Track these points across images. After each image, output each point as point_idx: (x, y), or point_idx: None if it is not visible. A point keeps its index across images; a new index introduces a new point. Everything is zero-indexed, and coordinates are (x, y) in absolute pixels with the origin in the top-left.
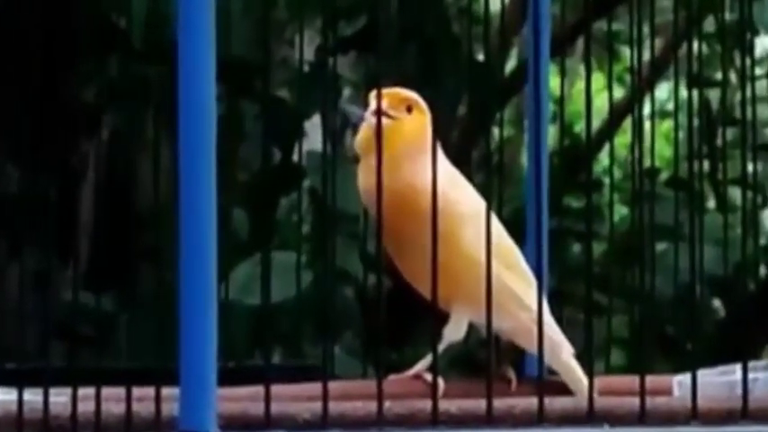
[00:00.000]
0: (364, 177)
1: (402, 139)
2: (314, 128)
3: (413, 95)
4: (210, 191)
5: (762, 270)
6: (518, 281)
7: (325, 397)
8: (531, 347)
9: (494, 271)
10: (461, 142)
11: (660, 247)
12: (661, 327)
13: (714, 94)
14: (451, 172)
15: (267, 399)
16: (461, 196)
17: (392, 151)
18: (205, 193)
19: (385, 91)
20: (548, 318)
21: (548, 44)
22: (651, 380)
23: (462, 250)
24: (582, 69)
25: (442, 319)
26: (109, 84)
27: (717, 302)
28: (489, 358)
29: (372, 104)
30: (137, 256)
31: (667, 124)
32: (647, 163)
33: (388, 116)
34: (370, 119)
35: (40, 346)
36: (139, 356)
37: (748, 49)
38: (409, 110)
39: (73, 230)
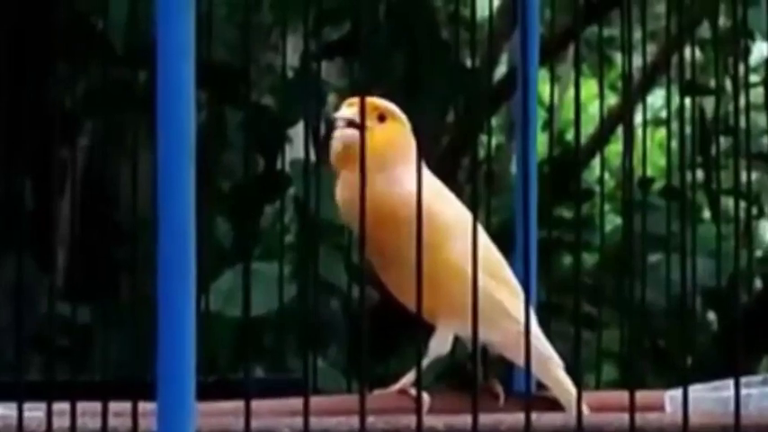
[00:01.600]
0: (339, 191)
1: (373, 150)
2: (299, 135)
3: (386, 104)
4: (189, 199)
5: (757, 282)
6: (505, 293)
7: (306, 412)
8: (520, 360)
9: (480, 283)
10: (450, 150)
11: (653, 258)
12: (654, 340)
13: (709, 102)
14: (434, 182)
15: (247, 414)
16: (445, 206)
17: (357, 163)
18: (184, 202)
19: (354, 100)
20: (536, 331)
21: (537, 50)
22: (642, 395)
23: (447, 261)
24: (572, 76)
25: (428, 331)
26: (88, 89)
27: (712, 315)
28: (475, 372)
29: (340, 114)
30: (116, 267)
31: (661, 132)
32: (639, 172)
33: (357, 127)
34: (338, 132)
35: (16, 359)
36: (117, 370)
37: (743, 55)
38: (382, 119)
39: (50, 240)
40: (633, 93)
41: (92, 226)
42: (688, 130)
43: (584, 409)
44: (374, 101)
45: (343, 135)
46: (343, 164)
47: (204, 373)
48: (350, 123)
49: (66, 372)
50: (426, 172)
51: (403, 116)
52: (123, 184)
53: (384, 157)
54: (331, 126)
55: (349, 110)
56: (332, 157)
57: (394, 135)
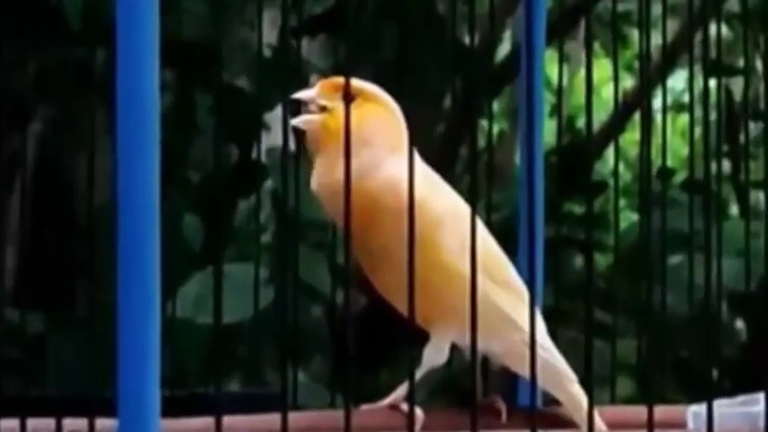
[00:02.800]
0: (313, 182)
1: (336, 134)
2: (278, 122)
3: (357, 83)
4: (154, 192)
5: None
6: (507, 297)
7: (284, 429)
8: (526, 372)
9: (480, 285)
10: (446, 138)
11: (675, 259)
12: (676, 351)
13: (737, 84)
14: (422, 168)
15: (218, 430)
16: (435, 195)
17: (327, 148)
18: (148, 195)
19: (322, 80)
20: (546, 342)
21: (544, 26)
22: (663, 411)
23: (439, 260)
24: (583, 57)
25: (424, 339)
26: (40, 70)
27: (740, 323)
28: (473, 386)
29: (297, 95)
30: (71, 270)
31: (683, 119)
32: (659, 163)
33: (321, 109)
34: (295, 118)
35: None
36: (73, 383)
37: None
38: (348, 99)
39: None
40: (652, 74)
41: (45, 223)
42: (713, 115)
43: (601, 425)
44: (338, 80)
45: (300, 120)
46: (315, 150)
47: (171, 387)
48: (322, 108)
49: (15, 385)
50: (416, 158)
51: (382, 96)
52: (80, 177)
53: (353, 141)
54: (298, 110)
55: (310, 90)
56: (308, 149)
57: (366, 117)
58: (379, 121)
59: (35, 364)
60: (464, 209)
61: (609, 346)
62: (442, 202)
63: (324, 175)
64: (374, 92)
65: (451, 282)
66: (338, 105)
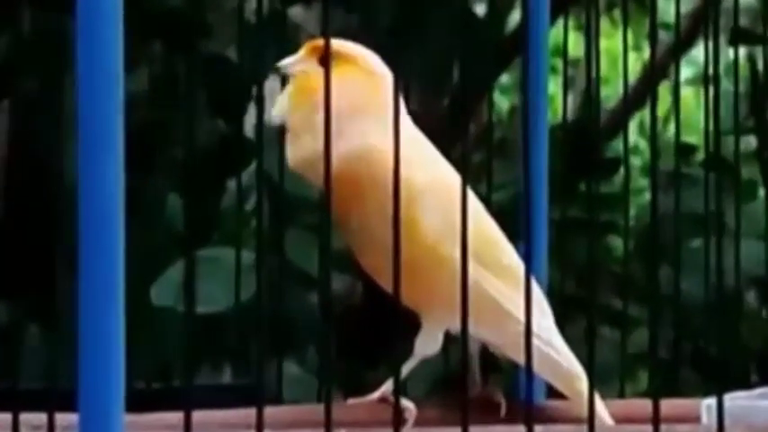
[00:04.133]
0: (290, 155)
1: (311, 99)
2: (272, 96)
3: (338, 45)
4: (117, 163)
5: None
6: (501, 283)
7: (260, 425)
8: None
9: (472, 269)
10: (451, 113)
11: (696, 243)
12: (696, 341)
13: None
14: (410, 137)
15: (187, 425)
16: (419, 167)
17: (302, 114)
18: (109, 167)
19: (308, 44)
20: (552, 335)
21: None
22: (676, 404)
23: (424, 240)
24: (606, 25)
25: (415, 328)
26: (16, 39)
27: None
28: (464, 376)
29: (287, 61)
30: (45, 256)
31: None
32: (681, 139)
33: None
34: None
35: None
36: (44, 375)
37: None
38: (324, 62)
39: None
40: (670, 45)
41: (17, 206)
42: (737, 88)
43: (607, 419)
44: (314, 42)
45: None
46: (289, 119)
47: (155, 379)
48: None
49: None
50: (405, 124)
51: (363, 58)
52: (55, 154)
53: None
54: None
55: (294, 56)
56: (273, 114)
57: (343, 81)
58: (357, 86)
59: (5, 354)
60: (451, 183)
61: (627, 336)
62: (423, 175)
63: (301, 148)
64: (353, 53)
65: (434, 264)
66: (314, 69)
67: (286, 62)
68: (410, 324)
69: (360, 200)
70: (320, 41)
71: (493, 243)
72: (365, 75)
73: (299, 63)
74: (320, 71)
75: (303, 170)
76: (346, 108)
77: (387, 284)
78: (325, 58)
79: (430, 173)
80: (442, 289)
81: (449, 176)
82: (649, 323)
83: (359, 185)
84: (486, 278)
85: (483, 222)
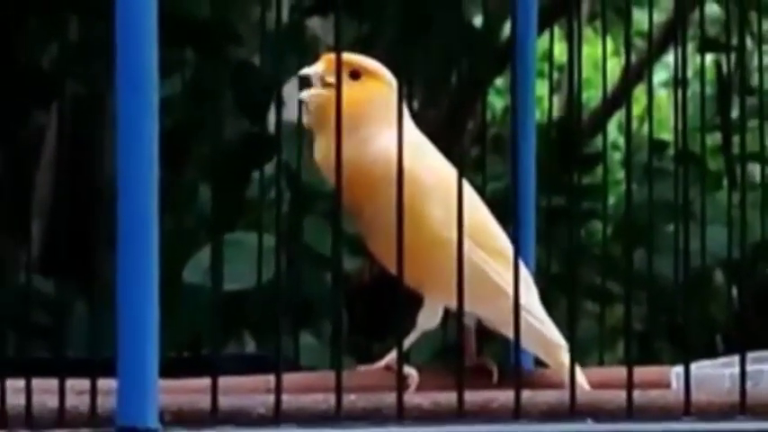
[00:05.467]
0: (316, 154)
1: (350, 108)
2: (294, 98)
3: (360, 60)
4: (152, 159)
5: None
6: (496, 264)
7: (278, 389)
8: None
9: (466, 252)
10: (452, 113)
11: (665, 228)
12: (672, 317)
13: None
14: (416, 140)
15: (214, 391)
16: (426, 166)
17: (329, 123)
18: (145, 162)
19: (326, 56)
20: (538, 310)
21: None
22: (648, 371)
23: (430, 228)
24: (589, 33)
25: (419, 304)
26: (66, 47)
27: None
28: (460, 348)
29: (306, 70)
30: (94, 239)
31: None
32: (656, 136)
33: (326, 84)
34: (304, 92)
35: None
36: (92, 346)
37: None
38: (355, 76)
39: (27, 210)
40: (644, 53)
41: (70, 196)
42: (701, 90)
43: (585, 385)
44: (348, 56)
45: (309, 95)
46: (316, 125)
47: (185, 349)
48: (327, 84)
49: (44, 349)
50: (412, 132)
51: (385, 73)
52: (104, 151)
53: (356, 116)
54: (303, 85)
55: (317, 66)
56: (307, 121)
57: (369, 93)
58: (381, 98)
59: (59, 328)
60: (453, 180)
61: (608, 311)
62: (431, 173)
63: (326, 148)
64: (377, 69)
65: (439, 249)
66: (346, 82)
67: (312, 71)
68: (412, 301)
69: (376, 195)
70: (350, 56)
71: (487, 229)
72: (386, 87)
73: (326, 74)
74: (350, 83)
75: (327, 167)
76: (371, 116)
77: (392, 266)
78: (355, 73)
79: (435, 172)
80: (443, 269)
81: (451, 175)
82: (625, 299)
83: (375, 182)
84: (481, 258)
85: (479, 211)
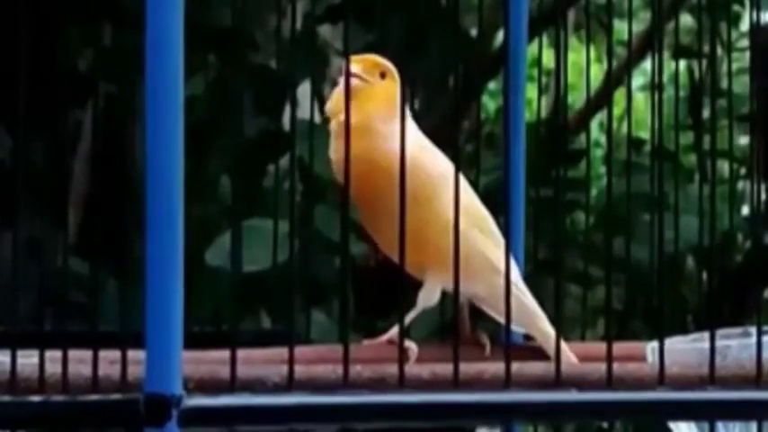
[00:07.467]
0: (335, 143)
1: (374, 104)
2: (303, 97)
3: (386, 62)
4: (178, 153)
5: (741, 241)
6: (492, 247)
7: (291, 360)
8: (502, 315)
9: (470, 237)
10: (449, 114)
11: (642, 217)
12: (648, 298)
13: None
14: (420, 138)
15: (233, 362)
16: (433, 160)
17: (363, 116)
18: (172, 156)
19: (360, 57)
20: (520, 284)
21: (526, 15)
22: (626, 346)
23: (438, 216)
24: (574, 42)
25: (417, 287)
26: (101, 51)
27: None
28: (457, 323)
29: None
30: (126, 225)
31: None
32: (634, 135)
33: (363, 80)
34: (340, 83)
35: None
36: (111, 320)
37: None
38: (383, 76)
39: (65, 199)
40: (623, 59)
41: (106, 185)
42: (675, 94)
43: (572, 357)
44: (376, 58)
45: (355, 84)
46: (339, 115)
47: (207, 324)
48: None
49: (77, 324)
50: (414, 128)
51: (397, 75)
52: (135, 145)
53: (383, 112)
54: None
55: (356, 66)
56: (328, 108)
57: (392, 92)
58: (397, 98)
59: (93, 305)
60: (452, 173)
61: (589, 293)
62: (437, 167)
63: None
64: (395, 71)
65: (446, 234)
66: (377, 81)
67: (353, 70)
68: (413, 283)
69: (391, 187)
70: (374, 58)
71: (483, 216)
72: (397, 87)
73: (365, 74)
74: (380, 83)
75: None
76: (392, 114)
77: (395, 252)
78: (383, 74)
79: (439, 166)
80: (447, 252)
81: (451, 168)
82: (605, 282)
83: (393, 176)
84: (482, 241)
85: (476, 201)
